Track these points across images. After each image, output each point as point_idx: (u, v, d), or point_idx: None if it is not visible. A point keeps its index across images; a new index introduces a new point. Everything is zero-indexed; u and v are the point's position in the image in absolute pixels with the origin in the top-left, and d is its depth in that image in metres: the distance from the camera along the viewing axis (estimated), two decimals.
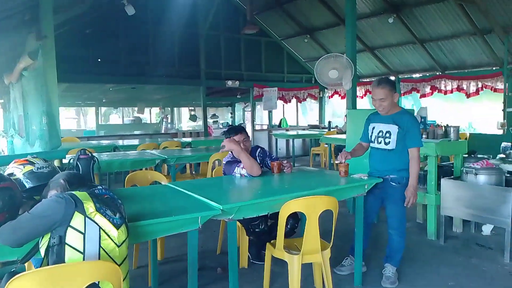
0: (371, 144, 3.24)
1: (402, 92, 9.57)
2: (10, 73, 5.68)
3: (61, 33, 6.58)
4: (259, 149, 3.59)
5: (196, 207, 2.34)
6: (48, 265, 1.60)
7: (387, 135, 3.07)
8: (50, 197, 1.68)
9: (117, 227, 1.73)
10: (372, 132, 3.21)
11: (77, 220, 1.62)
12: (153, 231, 2.11)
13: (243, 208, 2.42)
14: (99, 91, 10.33)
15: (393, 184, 3.08)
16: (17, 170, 2.21)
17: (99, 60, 8.33)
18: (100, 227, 1.66)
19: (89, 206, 1.67)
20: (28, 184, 2.20)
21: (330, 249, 2.75)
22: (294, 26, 10.28)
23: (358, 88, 9.45)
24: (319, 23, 9.79)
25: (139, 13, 7.91)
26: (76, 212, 1.63)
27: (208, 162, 5.17)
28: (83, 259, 1.59)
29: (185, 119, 16.89)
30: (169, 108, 13.54)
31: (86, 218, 1.64)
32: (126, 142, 7.67)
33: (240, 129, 3.47)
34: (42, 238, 1.67)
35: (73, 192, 1.71)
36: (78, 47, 7.95)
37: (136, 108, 13.87)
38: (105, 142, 7.71)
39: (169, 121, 12.19)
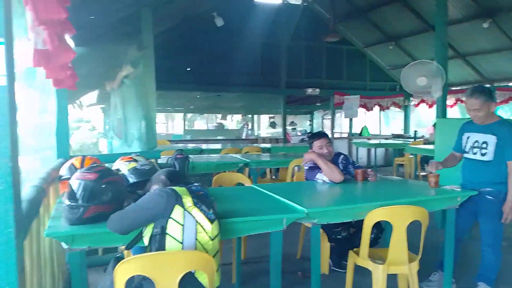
0: (465, 155, 3.05)
1: (498, 101, 8.78)
2: (112, 80, 6.30)
3: (156, 45, 7.17)
4: (342, 155, 3.57)
5: (280, 209, 2.40)
6: (150, 250, 1.77)
7: (484, 145, 2.87)
8: (154, 191, 1.86)
9: (211, 221, 1.85)
10: (466, 142, 3.02)
11: (177, 212, 1.77)
12: (241, 229, 2.21)
13: (327, 213, 2.44)
14: (187, 98, 11.01)
15: (489, 197, 2.86)
16: (123, 166, 2.47)
17: (188, 69, 8.89)
18: (196, 221, 1.79)
19: (187, 201, 1.81)
20: (131, 179, 2.44)
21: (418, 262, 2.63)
22: (378, 33, 9.99)
23: (448, 97, 8.90)
24: (405, 30, 9.40)
25: (225, 25, 8.32)
26: (176, 205, 1.78)
27: (287, 168, 5.25)
28: (182, 249, 1.73)
29: (264, 125, 17.28)
30: (249, 115, 13.94)
31: (185, 211, 1.78)
32: (210, 146, 8.07)
33: (323, 134, 3.48)
34: (146, 228, 1.86)
35: (174, 188, 1.88)
36: (169, 58, 8.57)
37: (219, 115, 14.51)
38: (191, 145, 8.21)
39: (249, 127, 12.55)
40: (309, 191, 3.10)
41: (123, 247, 2.02)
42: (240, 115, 13.60)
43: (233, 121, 15.82)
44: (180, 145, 8.10)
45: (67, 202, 1.96)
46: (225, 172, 4.53)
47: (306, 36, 10.10)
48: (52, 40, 1.71)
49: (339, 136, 12.21)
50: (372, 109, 11.18)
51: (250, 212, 2.29)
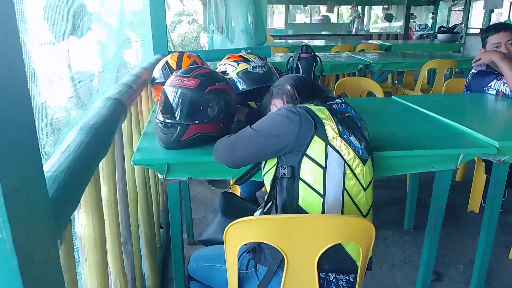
0: None
1: None
2: None
3: None
4: None
5: (453, 138, 1.63)
6: (273, 201, 1.19)
7: None
8: (279, 111, 1.22)
9: (364, 161, 1.19)
10: None
11: (316, 147, 1.13)
12: (400, 166, 1.52)
13: None
14: None
15: None
16: (230, 68, 1.85)
17: None
18: (344, 160, 1.14)
19: (330, 129, 1.15)
20: (241, 86, 1.83)
21: None
22: None
23: None
24: None
25: None
26: (315, 136, 1.13)
27: (419, 72, 4.23)
28: (323, 204, 1.12)
29: (375, 19, 15.21)
30: (360, 7, 12.16)
31: (328, 146, 1.13)
32: (317, 42, 7.11)
33: (504, 26, 2.41)
34: (266, 162, 1.27)
35: (309, 106, 1.21)
36: None
37: (324, 7, 12.91)
38: (293, 41, 7.33)
39: (360, 21, 10.98)
40: (484, 110, 2.19)
41: (233, 180, 1.49)
42: (350, 6, 11.89)
43: (339, 14, 14.09)
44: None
45: (161, 117, 1.44)
46: (349, 76, 3.72)
47: None
48: None
49: (474, 33, 10.09)
50: None
51: (409, 140, 1.57)
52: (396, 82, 5.24)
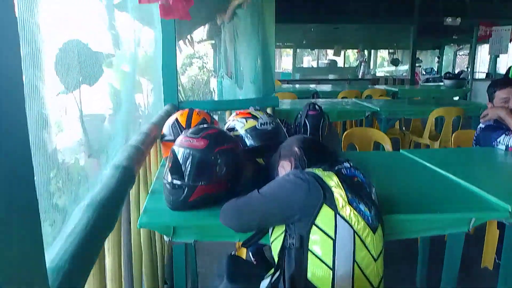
0: None
1: None
2: (223, 12, 5.71)
3: None
4: None
5: (464, 200, 1.60)
6: (282, 270, 1.16)
7: None
8: (287, 176, 1.21)
9: (374, 230, 1.17)
10: None
11: (325, 216, 1.11)
12: (408, 230, 1.49)
13: None
14: (300, 31, 10.02)
15: None
16: (239, 125, 1.87)
17: None
18: (354, 230, 1.12)
19: (339, 196, 1.13)
20: (249, 142, 1.84)
21: None
22: None
23: None
24: None
25: None
26: (324, 205, 1.12)
27: (427, 119, 4.25)
28: (332, 278, 1.09)
29: (380, 62, 15.51)
30: (366, 51, 12.44)
31: (337, 215, 1.11)
32: (324, 87, 7.22)
33: (510, 82, 2.43)
34: (273, 228, 1.25)
35: (317, 172, 1.20)
36: None
37: (330, 51, 13.24)
38: (300, 86, 7.46)
39: (366, 65, 11.18)
40: (495, 167, 2.16)
41: (239, 243, 1.46)
42: (356, 50, 12.17)
43: (345, 58, 14.42)
44: (289, 86, 7.33)
45: (169, 177, 1.44)
46: (357, 127, 3.75)
47: None
48: None
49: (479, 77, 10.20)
50: None
51: (416, 202, 1.54)
52: (403, 128, 5.25)
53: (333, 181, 1.16)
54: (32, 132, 0.80)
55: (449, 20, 8.21)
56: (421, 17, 8.26)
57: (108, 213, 0.90)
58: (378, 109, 4.18)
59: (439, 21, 8.36)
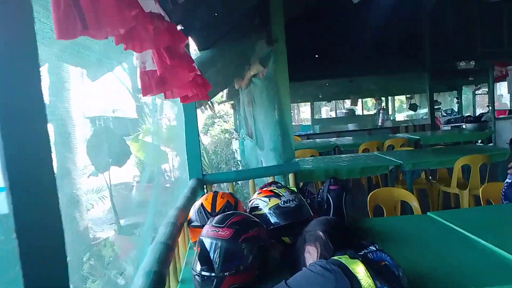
0: None
1: None
2: (240, 78, 5.97)
3: None
4: None
5: (496, 269, 1.56)
6: None
7: None
8: (313, 267, 1.23)
9: None
10: None
11: None
12: None
13: None
14: (314, 86, 10.29)
15: None
16: (262, 204, 1.92)
17: (316, 56, 8.15)
18: None
19: (368, 287, 1.14)
20: (273, 220, 1.88)
21: None
22: None
23: None
24: None
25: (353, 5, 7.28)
26: None
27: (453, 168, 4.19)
28: None
29: (399, 105, 15.55)
30: (383, 98, 12.55)
31: None
32: (344, 140, 7.26)
33: None
34: None
35: (343, 261, 1.22)
36: (295, 46, 7.94)
37: (348, 101, 13.43)
38: (321, 140, 7.53)
39: (385, 112, 11.24)
40: None
41: None
42: (374, 99, 12.31)
43: (363, 106, 14.56)
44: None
45: (198, 268, 1.48)
46: (382, 188, 3.73)
47: None
48: (162, 62, 1.21)
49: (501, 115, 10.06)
50: None
51: (449, 278, 1.51)
52: (430, 178, 5.16)
53: (360, 270, 1.17)
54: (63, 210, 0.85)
55: (462, 64, 8.30)
56: (434, 64, 8.39)
57: (159, 279, 0.93)
58: (402, 162, 4.16)
59: (452, 65, 8.47)
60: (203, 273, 1.45)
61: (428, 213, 2.35)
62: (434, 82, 9.94)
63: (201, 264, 1.48)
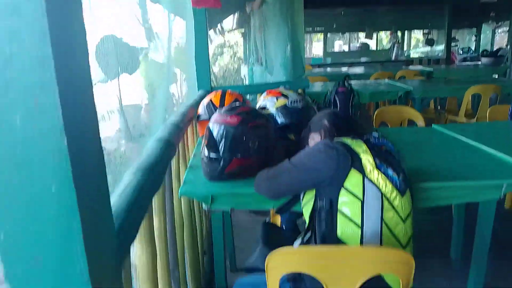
0: None
1: None
2: (253, 0, 5.76)
3: None
4: None
5: (495, 168, 1.62)
6: (312, 234, 1.24)
7: None
8: (317, 147, 1.28)
9: (402, 192, 1.22)
10: None
11: (353, 180, 1.18)
12: (441, 197, 1.53)
13: None
14: (328, 16, 9.92)
15: None
16: (270, 103, 1.95)
17: None
18: (382, 193, 1.18)
19: (367, 162, 1.19)
20: (280, 120, 1.92)
21: None
22: None
23: None
24: None
25: None
26: (352, 169, 1.18)
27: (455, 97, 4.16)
28: (361, 236, 1.16)
29: (415, 43, 15.02)
30: (399, 32, 12.09)
31: (365, 178, 1.18)
32: (355, 70, 7.14)
33: None
34: (304, 194, 1.33)
35: (346, 141, 1.27)
36: None
37: (362, 34, 12.98)
38: (332, 70, 7.40)
39: (400, 46, 10.89)
40: None
41: (273, 210, 1.56)
42: (389, 32, 11.86)
43: (378, 40, 14.07)
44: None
45: (206, 152, 1.55)
46: (389, 106, 3.74)
47: None
48: None
49: None
50: None
51: (451, 172, 1.57)
52: (439, 108, 5.15)
53: (360, 148, 1.23)
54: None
55: None
56: None
57: (154, 176, 1.00)
58: (412, 89, 4.13)
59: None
60: (211, 155, 1.52)
61: (433, 125, 2.38)
62: (453, 18, 9.49)
63: (209, 149, 1.54)
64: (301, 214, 2.07)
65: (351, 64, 8.64)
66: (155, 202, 1.16)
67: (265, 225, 1.65)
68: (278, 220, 1.88)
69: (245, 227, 2.94)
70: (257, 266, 1.51)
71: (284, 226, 1.79)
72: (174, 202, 1.48)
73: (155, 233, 1.13)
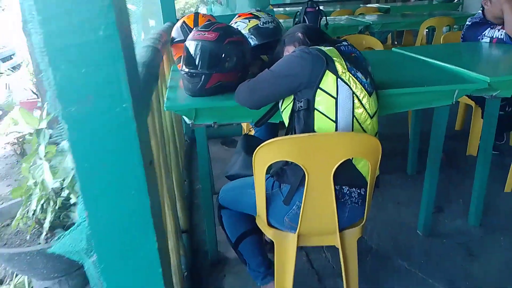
0: None
1: None
2: None
3: None
4: None
5: (449, 77, 1.81)
6: (292, 132, 1.38)
7: None
8: (293, 53, 1.38)
9: (370, 93, 1.37)
10: None
11: (328, 81, 1.30)
12: (401, 103, 1.70)
13: None
14: None
15: None
16: (242, 25, 2.01)
17: None
18: (353, 91, 1.32)
19: (339, 65, 1.32)
20: (253, 41, 1.99)
21: None
22: None
23: None
24: None
25: None
26: (327, 71, 1.30)
27: (418, 31, 4.34)
28: (335, 129, 1.31)
29: None
30: None
31: (338, 79, 1.30)
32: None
33: None
34: (283, 101, 1.45)
35: (320, 47, 1.38)
36: None
37: None
38: (291, 9, 7.35)
39: None
40: (478, 54, 2.34)
41: (249, 127, 1.67)
42: None
43: None
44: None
45: (185, 69, 1.61)
46: (350, 34, 3.85)
47: None
48: None
49: None
50: None
51: (409, 82, 1.74)
52: (395, 42, 5.35)
53: (334, 53, 1.34)
54: None
55: None
56: None
57: (151, 71, 1.07)
58: (371, 23, 4.27)
59: None
60: (192, 70, 1.59)
61: (393, 49, 2.53)
62: None
63: (189, 65, 1.60)
64: (276, 134, 2.22)
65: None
66: (150, 122, 1.23)
67: (245, 137, 1.77)
68: (253, 133, 2.01)
69: (219, 158, 3.07)
70: (241, 173, 1.65)
71: None
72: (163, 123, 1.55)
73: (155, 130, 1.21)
